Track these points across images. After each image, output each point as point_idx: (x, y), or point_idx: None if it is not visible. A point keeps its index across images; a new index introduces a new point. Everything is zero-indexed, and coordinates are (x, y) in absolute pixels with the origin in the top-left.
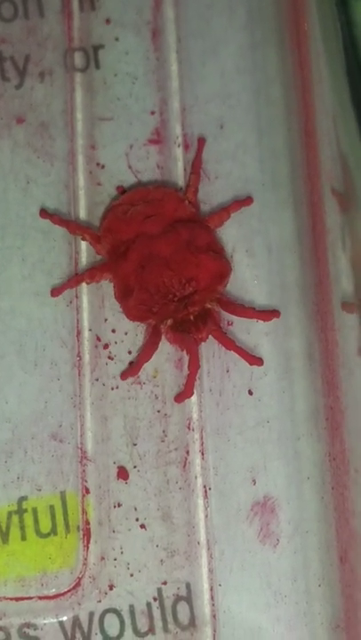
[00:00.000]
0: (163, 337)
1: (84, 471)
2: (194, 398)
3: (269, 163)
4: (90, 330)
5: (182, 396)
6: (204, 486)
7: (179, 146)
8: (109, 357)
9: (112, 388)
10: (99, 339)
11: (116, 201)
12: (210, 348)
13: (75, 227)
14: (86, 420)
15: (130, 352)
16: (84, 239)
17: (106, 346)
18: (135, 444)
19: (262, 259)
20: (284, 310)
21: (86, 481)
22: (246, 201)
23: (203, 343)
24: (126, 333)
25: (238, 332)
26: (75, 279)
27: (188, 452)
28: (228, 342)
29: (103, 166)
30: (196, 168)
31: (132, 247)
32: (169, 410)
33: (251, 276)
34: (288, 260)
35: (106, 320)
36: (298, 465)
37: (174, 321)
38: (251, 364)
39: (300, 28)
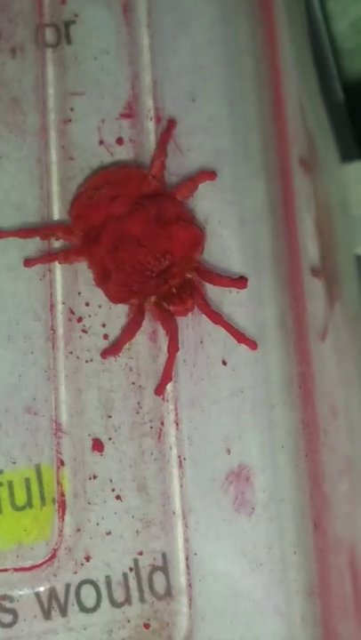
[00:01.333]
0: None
1: (58, 444)
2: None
3: (241, 134)
4: (63, 303)
5: (162, 383)
6: (179, 457)
7: (151, 119)
8: (83, 330)
9: (86, 361)
10: (72, 312)
11: (81, 188)
12: (183, 319)
13: (45, 230)
14: (60, 393)
15: (104, 325)
16: (58, 238)
17: (79, 319)
18: (110, 417)
19: (235, 230)
20: (257, 280)
21: (61, 453)
22: (211, 174)
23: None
24: (100, 306)
25: (213, 304)
26: (48, 256)
27: (162, 424)
28: (215, 315)
29: (75, 141)
30: (162, 143)
31: (103, 231)
32: (143, 382)
33: (224, 248)
34: (261, 230)
35: (79, 293)
36: (272, 434)
37: (157, 297)
38: (239, 342)
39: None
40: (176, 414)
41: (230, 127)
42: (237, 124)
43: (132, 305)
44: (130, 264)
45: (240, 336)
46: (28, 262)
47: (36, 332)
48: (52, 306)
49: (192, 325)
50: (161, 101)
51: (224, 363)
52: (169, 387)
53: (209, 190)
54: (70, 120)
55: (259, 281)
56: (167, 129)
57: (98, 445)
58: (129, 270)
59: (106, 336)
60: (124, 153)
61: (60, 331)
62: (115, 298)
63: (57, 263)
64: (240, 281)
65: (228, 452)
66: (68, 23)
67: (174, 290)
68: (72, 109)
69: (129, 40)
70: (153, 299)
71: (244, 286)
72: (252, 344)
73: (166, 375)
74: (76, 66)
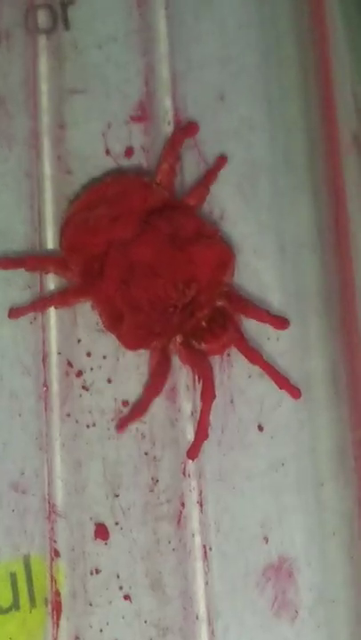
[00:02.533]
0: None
1: (52, 529)
2: (189, 436)
3: (282, 141)
4: (59, 353)
5: (196, 442)
6: (204, 546)
7: (169, 123)
8: (84, 387)
9: (87, 426)
10: (70, 364)
11: (69, 210)
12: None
13: (32, 261)
14: (55, 466)
15: (109, 380)
16: (48, 272)
17: (79, 373)
18: (117, 496)
19: (274, 260)
20: (301, 324)
21: (56, 541)
22: (220, 162)
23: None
24: (105, 357)
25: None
26: (41, 302)
27: (183, 504)
28: (253, 353)
29: (74, 150)
30: (173, 142)
31: (106, 262)
32: (159, 451)
33: (260, 283)
34: (306, 261)
35: (79, 341)
36: (321, 517)
37: (184, 335)
38: (280, 388)
39: None
40: (200, 493)
41: (268, 132)
42: (276, 128)
43: (153, 350)
44: (146, 300)
45: (283, 381)
46: (15, 312)
47: (25, 390)
48: (45, 356)
49: (219, 379)
50: (181, 101)
51: (260, 428)
52: None
53: (241, 210)
54: (68, 124)
55: (303, 324)
56: (185, 130)
57: (102, 532)
58: (146, 308)
59: (113, 396)
60: (135, 164)
61: (55, 387)
62: (131, 343)
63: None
64: (280, 320)
65: (266, 540)
66: (65, 3)
67: (204, 323)
68: (70, 111)
69: (142, 24)
70: (179, 338)
71: (285, 327)
72: (296, 392)
73: (202, 430)
74: (76, 56)
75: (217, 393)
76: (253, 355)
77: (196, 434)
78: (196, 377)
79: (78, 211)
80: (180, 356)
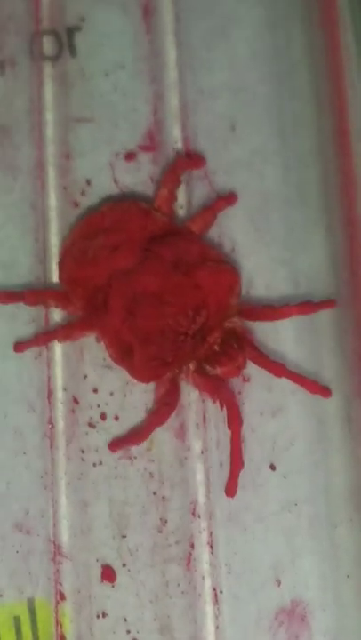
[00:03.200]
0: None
1: (58, 571)
2: (199, 476)
3: (295, 173)
4: (65, 390)
5: (234, 473)
6: (214, 589)
7: (178, 153)
8: (90, 425)
9: (94, 465)
10: (76, 401)
11: (66, 241)
12: (219, 412)
13: (31, 295)
14: (60, 506)
15: (117, 418)
16: (48, 306)
17: (86, 410)
18: (124, 537)
19: (287, 295)
20: (315, 361)
21: (61, 584)
22: (230, 198)
23: (204, 405)
24: (112, 394)
25: (257, 390)
26: (45, 335)
27: (192, 546)
28: (276, 366)
29: (81, 181)
30: (174, 167)
31: (109, 293)
32: (167, 491)
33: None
34: (320, 296)
35: (85, 377)
36: (335, 560)
37: (197, 362)
38: (313, 393)
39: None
40: (210, 534)
41: (281, 163)
42: (289, 160)
43: (162, 380)
44: (156, 331)
45: (312, 385)
46: (20, 346)
47: (30, 427)
48: (51, 393)
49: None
50: (191, 130)
51: (272, 467)
52: (201, 498)
53: (253, 245)
54: (74, 154)
55: (317, 361)
56: (190, 160)
57: (109, 574)
58: (157, 339)
59: (121, 434)
60: (142, 194)
61: (61, 425)
62: (145, 376)
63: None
64: (308, 306)
65: (278, 583)
66: (71, 30)
67: (217, 347)
68: (77, 140)
69: (150, 52)
70: (192, 365)
71: (313, 311)
72: (327, 391)
73: (236, 461)
74: (83, 84)
75: (227, 431)
76: (276, 368)
77: (231, 465)
78: (219, 404)
79: (76, 241)
80: (196, 385)
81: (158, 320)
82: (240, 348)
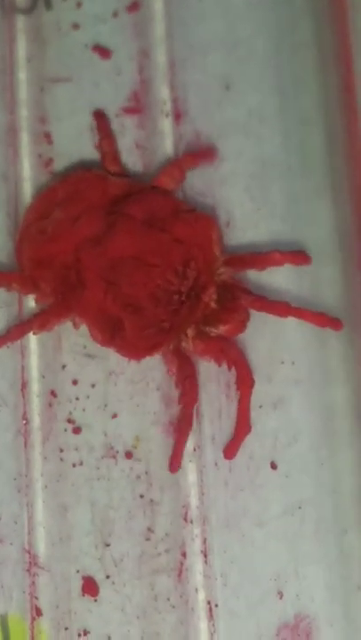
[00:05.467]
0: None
1: (33, 584)
2: (192, 477)
3: (297, 136)
4: (41, 381)
5: (238, 437)
6: (209, 603)
7: (167, 115)
8: (69, 421)
9: (74, 465)
10: (54, 394)
11: (20, 227)
12: (214, 405)
13: None
14: (36, 511)
15: (99, 413)
16: (11, 290)
17: (64, 404)
18: (108, 545)
19: (289, 274)
20: (320, 348)
21: (37, 598)
22: (207, 153)
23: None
24: (94, 385)
25: (256, 380)
26: (18, 328)
27: (184, 555)
28: (280, 306)
29: (57, 147)
30: (181, 165)
31: (81, 267)
32: (157, 494)
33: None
34: (326, 275)
35: (64, 367)
36: (344, 569)
37: (196, 326)
38: (323, 327)
39: None
40: (204, 541)
41: (281, 126)
42: (290, 122)
43: (166, 355)
44: (146, 295)
45: (321, 319)
46: None
47: (1, 424)
48: (25, 385)
49: (226, 413)
50: (181, 90)
51: (273, 466)
52: (193, 501)
53: (250, 217)
54: (50, 118)
55: (323, 348)
56: (199, 154)
57: (90, 587)
58: (148, 304)
59: (103, 430)
60: (128, 163)
61: (37, 421)
62: (140, 350)
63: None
64: (298, 254)
65: (280, 595)
66: None
67: (214, 304)
68: (53, 102)
69: (135, 3)
70: (191, 331)
71: (306, 261)
72: (338, 323)
73: (243, 424)
74: (59, 40)
75: (223, 427)
76: (281, 308)
77: (236, 428)
78: (226, 365)
79: (31, 223)
80: (197, 351)
81: (146, 283)
82: (238, 298)
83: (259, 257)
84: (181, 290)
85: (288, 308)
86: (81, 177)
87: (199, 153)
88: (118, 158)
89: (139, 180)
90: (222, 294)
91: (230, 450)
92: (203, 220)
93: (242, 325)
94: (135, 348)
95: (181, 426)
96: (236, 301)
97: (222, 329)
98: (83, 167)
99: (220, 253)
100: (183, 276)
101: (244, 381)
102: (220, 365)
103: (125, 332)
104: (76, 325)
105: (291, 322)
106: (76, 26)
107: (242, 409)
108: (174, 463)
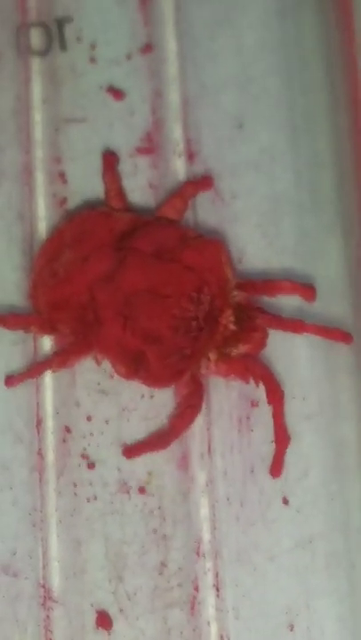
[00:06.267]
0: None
1: (48, 618)
2: (204, 511)
3: (308, 175)
4: (55, 418)
5: (279, 452)
6: (221, 636)
7: (180, 155)
8: (83, 456)
9: (88, 500)
10: (68, 430)
11: (32, 273)
12: (226, 440)
13: (13, 320)
14: (51, 546)
15: (113, 448)
16: (29, 332)
17: (78, 440)
18: (122, 579)
19: (300, 309)
20: (330, 382)
21: (52, 631)
22: (204, 182)
23: (209, 432)
24: (107, 422)
25: (267, 415)
26: (39, 366)
27: (196, 589)
28: (295, 324)
29: (72, 186)
30: (183, 195)
31: (98, 306)
32: (169, 529)
33: (284, 334)
34: (337, 308)
35: (78, 403)
36: (355, 603)
37: (217, 349)
38: (336, 341)
39: None
40: (216, 575)
41: (292, 164)
42: (301, 161)
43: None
44: (165, 326)
45: (335, 333)
46: (11, 380)
47: (17, 459)
48: (40, 421)
49: (238, 447)
50: (194, 130)
51: (285, 501)
52: (206, 536)
53: (263, 252)
54: (65, 158)
55: (333, 382)
56: (197, 183)
57: (104, 620)
58: (167, 334)
59: (117, 465)
60: (141, 202)
61: (51, 457)
62: (165, 378)
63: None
64: (307, 288)
65: (291, 628)
66: (61, 21)
67: (233, 326)
68: (68, 143)
69: (149, 44)
70: (213, 355)
71: (313, 294)
72: (348, 337)
73: (282, 438)
74: (74, 81)
75: (235, 461)
76: (295, 325)
77: (276, 443)
78: (253, 381)
79: (42, 267)
80: (222, 373)
81: (162, 314)
82: (255, 318)
83: (269, 284)
84: (198, 316)
85: (303, 326)
86: (86, 216)
87: (199, 181)
88: (122, 194)
89: (144, 214)
90: (239, 315)
91: (276, 466)
92: (211, 244)
93: (262, 342)
94: (160, 378)
95: (159, 439)
96: (254, 321)
97: (243, 348)
98: (88, 206)
99: (231, 275)
100: (198, 302)
101: (275, 394)
102: (247, 383)
103: (148, 363)
104: (97, 362)
105: (301, 357)
106: (90, 67)
107: (277, 422)
108: (129, 452)
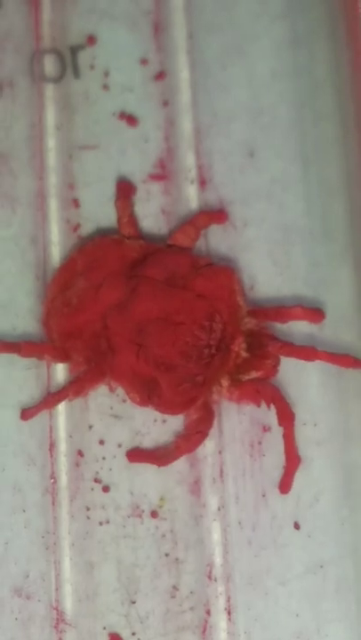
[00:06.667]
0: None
1: None
2: (216, 535)
3: (319, 203)
4: (68, 441)
5: (289, 471)
6: None
7: (192, 182)
8: (96, 480)
9: (100, 523)
10: (81, 454)
11: (45, 301)
12: (238, 464)
13: (28, 348)
14: (64, 569)
15: (126, 472)
16: (43, 360)
17: (91, 464)
18: (134, 602)
19: (311, 337)
20: (341, 409)
21: None
22: (219, 215)
23: (221, 457)
24: (120, 445)
25: (279, 440)
26: (54, 396)
27: (208, 612)
28: (306, 351)
29: (85, 212)
30: (197, 225)
31: (111, 334)
32: (181, 553)
33: (295, 363)
34: (348, 335)
35: (91, 427)
36: None
37: (230, 375)
38: (349, 367)
39: (356, 13)
40: (228, 599)
41: (303, 193)
42: (313, 189)
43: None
44: (177, 354)
45: (346, 360)
46: (28, 413)
47: (30, 482)
48: (53, 445)
49: (250, 472)
50: (206, 157)
51: (296, 526)
52: (218, 560)
53: (274, 281)
54: (78, 184)
55: (344, 409)
56: (212, 215)
57: None
58: (180, 362)
59: (130, 489)
60: (153, 228)
61: (64, 480)
62: (177, 406)
63: (59, 381)
64: (315, 312)
65: None
66: (75, 48)
67: (244, 353)
68: (81, 169)
69: (161, 72)
70: (225, 381)
71: (321, 318)
72: (359, 363)
73: (292, 458)
74: (87, 108)
75: (247, 486)
76: (307, 352)
77: (287, 463)
78: (265, 404)
79: (55, 296)
80: (234, 399)
81: (174, 342)
82: (267, 345)
83: (281, 310)
84: (210, 343)
85: (315, 353)
86: (98, 244)
87: (213, 213)
88: (134, 221)
89: (157, 242)
90: (251, 342)
91: (284, 484)
92: (222, 272)
93: (274, 370)
94: (172, 405)
95: (162, 456)
96: (265, 348)
97: (255, 375)
98: (100, 234)
99: (243, 302)
100: (210, 329)
101: (285, 416)
102: (258, 406)
103: (161, 390)
104: (111, 389)
105: (312, 384)
106: (103, 94)
107: (288, 443)
108: (132, 456)
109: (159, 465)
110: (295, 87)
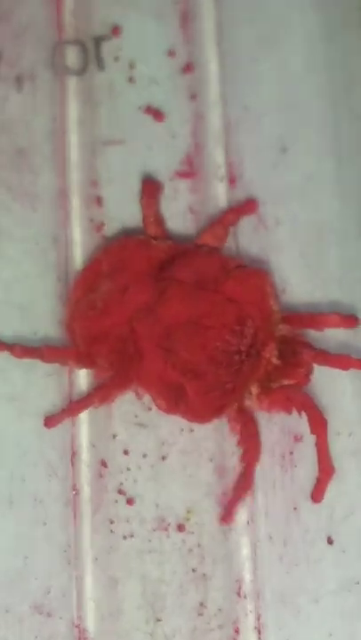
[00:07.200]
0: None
1: None
2: (245, 550)
3: (353, 202)
4: (91, 451)
5: (323, 480)
6: None
7: (221, 179)
8: (120, 492)
9: (124, 537)
10: (104, 464)
11: (69, 303)
12: (268, 477)
13: (50, 353)
14: (86, 585)
15: (151, 484)
16: (66, 365)
17: (115, 475)
18: (159, 620)
19: (346, 343)
20: None
21: None
22: (248, 206)
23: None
24: (145, 456)
25: (311, 450)
26: (79, 404)
27: (237, 631)
28: (341, 359)
29: (109, 211)
30: (224, 223)
31: (138, 338)
32: (209, 568)
33: (332, 372)
34: None
35: (114, 436)
36: None
37: (260, 383)
38: None
39: None
40: (258, 617)
41: (337, 191)
42: (347, 187)
43: (230, 415)
44: (206, 359)
45: None
46: (51, 421)
47: (51, 494)
48: (75, 455)
49: (280, 484)
50: (236, 154)
51: (330, 541)
52: (247, 576)
53: (307, 284)
54: (102, 181)
55: None
56: (240, 208)
57: None
58: (209, 368)
59: (155, 502)
60: (181, 227)
61: (87, 492)
62: (206, 414)
63: (81, 388)
64: (349, 318)
65: None
66: (99, 39)
67: (276, 360)
68: (105, 165)
69: (189, 64)
70: (255, 389)
71: (355, 325)
72: None
73: (325, 467)
74: (112, 101)
75: (277, 499)
76: (342, 361)
77: (320, 472)
78: (296, 412)
79: (79, 299)
80: (264, 407)
81: (204, 347)
82: (300, 353)
83: (317, 317)
84: (241, 349)
85: (350, 361)
86: (124, 245)
87: (242, 206)
88: (161, 221)
89: (184, 242)
90: (283, 349)
91: (317, 494)
92: (254, 275)
93: (307, 378)
94: (200, 413)
95: (242, 483)
96: (298, 355)
97: (286, 383)
98: (125, 234)
99: (276, 306)
100: (241, 334)
101: (318, 423)
102: (289, 413)
103: (189, 397)
104: (138, 396)
105: (347, 393)
106: (128, 87)
107: (321, 451)
108: (227, 517)
109: (246, 491)
110: (329, 80)
